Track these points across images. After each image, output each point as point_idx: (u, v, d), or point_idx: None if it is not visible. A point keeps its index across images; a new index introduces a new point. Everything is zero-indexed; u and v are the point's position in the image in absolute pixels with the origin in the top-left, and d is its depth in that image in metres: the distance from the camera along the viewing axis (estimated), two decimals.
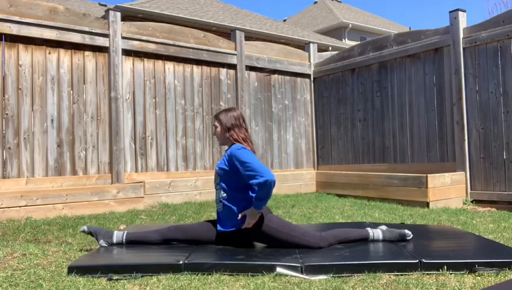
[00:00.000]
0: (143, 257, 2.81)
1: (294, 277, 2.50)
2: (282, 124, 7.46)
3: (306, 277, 2.49)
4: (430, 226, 3.92)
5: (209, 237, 3.08)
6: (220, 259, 2.68)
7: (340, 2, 27.51)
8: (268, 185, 2.84)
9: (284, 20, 26.17)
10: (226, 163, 3.05)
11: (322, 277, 2.49)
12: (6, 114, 4.97)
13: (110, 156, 5.62)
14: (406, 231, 3.12)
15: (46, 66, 5.26)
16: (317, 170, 7.71)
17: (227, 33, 9.03)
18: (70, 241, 3.51)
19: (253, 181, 2.86)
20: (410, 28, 26.56)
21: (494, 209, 5.29)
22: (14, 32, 4.99)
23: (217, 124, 3.20)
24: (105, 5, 17.50)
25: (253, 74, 7.14)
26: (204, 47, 6.50)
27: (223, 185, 3.07)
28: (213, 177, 3.30)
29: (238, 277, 2.52)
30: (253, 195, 3.01)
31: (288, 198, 6.25)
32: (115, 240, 3.09)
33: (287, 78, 7.58)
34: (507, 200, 5.31)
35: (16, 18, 5.00)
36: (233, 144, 3.12)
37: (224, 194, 3.06)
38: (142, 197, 5.37)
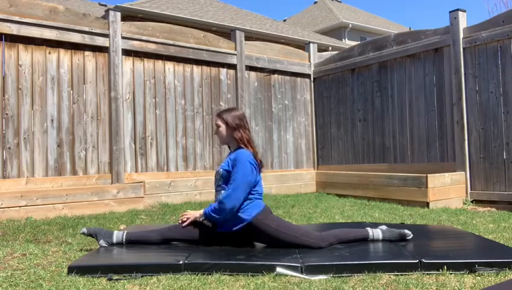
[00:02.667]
0: (143, 257, 2.81)
1: (294, 276, 2.50)
2: (282, 124, 7.46)
3: (306, 276, 2.49)
4: (430, 226, 3.92)
5: (209, 237, 3.07)
6: (220, 259, 2.68)
7: (340, 2, 27.50)
8: (222, 210, 2.93)
9: (284, 20, 26.16)
10: (230, 166, 3.04)
11: (322, 276, 2.49)
12: (6, 114, 4.97)
13: (110, 156, 5.62)
14: (406, 231, 3.12)
15: (46, 66, 5.26)
16: (317, 170, 7.71)
17: (227, 33, 9.02)
18: (70, 241, 3.51)
19: (222, 195, 2.96)
20: (410, 28, 26.54)
21: (494, 209, 5.29)
22: (14, 32, 4.99)
23: (220, 123, 3.13)
24: (105, 5, 17.49)
25: (253, 73, 7.14)
26: (204, 47, 6.50)
27: (225, 186, 3.06)
28: (213, 177, 3.29)
29: (238, 277, 2.52)
30: (253, 196, 3.02)
31: (288, 198, 6.25)
32: (114, 240, 3.09)
33: (287, 78, 7.58)
34: (507, 200, 5.31)
35: (16, 18, 5.00)
36: (239, 145, 3.09)
37: None
38: (142, 197, 5.37)
